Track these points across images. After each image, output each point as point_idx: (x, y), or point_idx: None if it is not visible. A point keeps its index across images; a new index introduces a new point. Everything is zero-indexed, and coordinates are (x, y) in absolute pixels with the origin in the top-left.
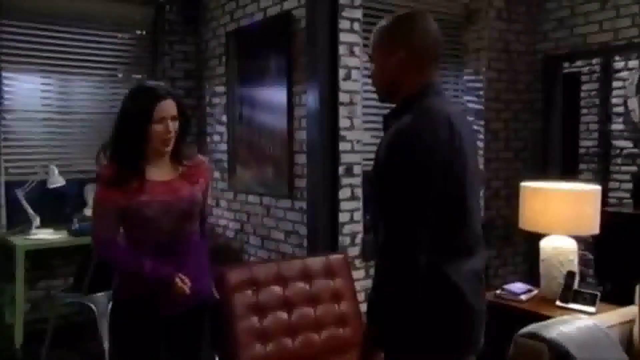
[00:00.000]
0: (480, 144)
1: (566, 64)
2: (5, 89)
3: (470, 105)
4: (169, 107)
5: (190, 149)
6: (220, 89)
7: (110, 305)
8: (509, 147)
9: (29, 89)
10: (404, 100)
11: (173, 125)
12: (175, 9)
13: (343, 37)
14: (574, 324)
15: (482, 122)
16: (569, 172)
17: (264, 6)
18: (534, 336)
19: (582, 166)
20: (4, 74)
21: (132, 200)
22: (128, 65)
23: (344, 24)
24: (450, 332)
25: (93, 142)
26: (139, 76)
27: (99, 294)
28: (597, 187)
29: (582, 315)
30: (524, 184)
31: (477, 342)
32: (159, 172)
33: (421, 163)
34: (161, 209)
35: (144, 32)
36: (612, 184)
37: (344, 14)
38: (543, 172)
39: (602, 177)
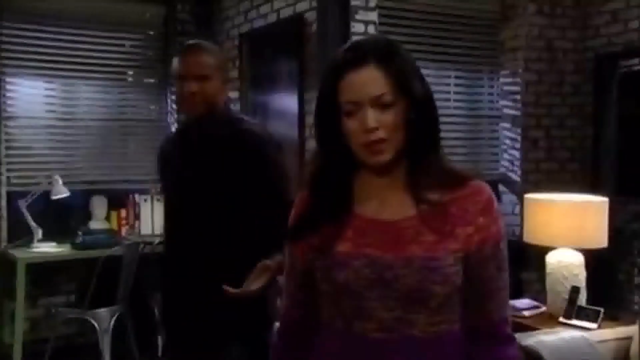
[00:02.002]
0: (516, 154)
1: (636, 61)
2: (7, 94)
3: (506, 110)
4: (362, 81)
5: (448, 163)
6: (234, 94)
7: (112, 322)
8: (551, 157)
9: (31, 94)
10: (221, 112)
11: (376, 116)
12: (188, 8)
13: None
14: (558, 334)
15: (519, 130)
16: (636, 187)
17: (278, 7)
18: None
19: None
20: (6, 78)
21: (321, 250)
22: (137, 67)
23: (357, 27)
24: None
25: (100, 150)
26: (151, 80)
27: (101, 310)
28: (604, 199)
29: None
30: (527, 195)
31: None
32: (379, 204)
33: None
34: (366, 275)
35: (154, 33)
36: None
37: (358, 16)
38: (595, 186)
39: None
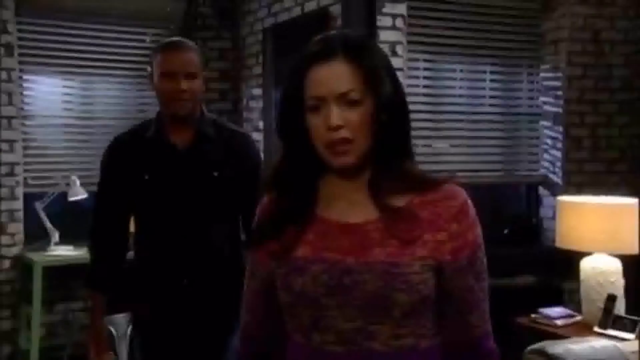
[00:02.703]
0: (558, 154)
1: None
2: (26, 92)
3: (547, 107)
4: (328, 76)
5: (414, 167)
6: (258, 91)
7: (130, 328)
8: (597, 158)
9: (49, 92)
10: (204, 112)
11: (341, 113)
12: (209, 2)
13: (384, 35)
14: (589, 343)
15: (560, 128)
16: None
17: (302, 1)
18: (539, 352)
19: None
20: (25, 76)
21: (281, 256)
22: None
23: (385, 21)
24: None
25: None
26: None
27: (119, 316)
28: (635, 201)
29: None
30: (560, 198)
31: None
32: (344, 208)
33: None
34: (324, 281)
35: (175, 27)
36: None
37: (385, 9)
38: None
39: None
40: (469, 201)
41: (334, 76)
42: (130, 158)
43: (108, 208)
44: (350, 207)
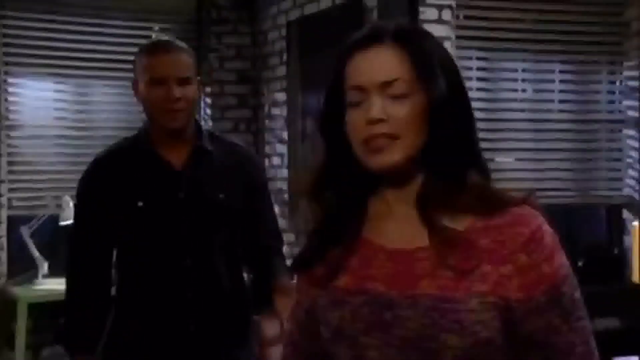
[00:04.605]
0: None
1: None
2: (11, 98)
3: (631, 113)
4: (370, 62)
5: (482, 182)
6: (281, 96)
7: None
8: None
9: (39, 97)
10: (199, 124)
11: (384, 106)
12: None
13: (428, 29)
14: None
15: None
16: None
17: None
18: None
19: None
20: (10, 79)
21: (322, 284)
22: None
23: (429, 13)
24: None
25: None
26: None
27: None
28: None
29: None
30: (636, 223)
31: None
32: (393, 229)
33: None
34: (363, 316)
35: (186, 21)
36: None
37: (430, 0)
38: None
39: None
40: (545, 227)
41: (378, 63)
42: (117, 183)
43: (90, 246)
44: (400, 228)
